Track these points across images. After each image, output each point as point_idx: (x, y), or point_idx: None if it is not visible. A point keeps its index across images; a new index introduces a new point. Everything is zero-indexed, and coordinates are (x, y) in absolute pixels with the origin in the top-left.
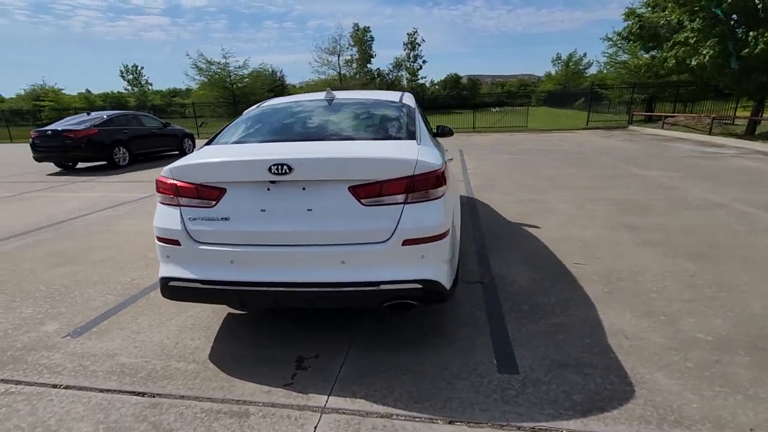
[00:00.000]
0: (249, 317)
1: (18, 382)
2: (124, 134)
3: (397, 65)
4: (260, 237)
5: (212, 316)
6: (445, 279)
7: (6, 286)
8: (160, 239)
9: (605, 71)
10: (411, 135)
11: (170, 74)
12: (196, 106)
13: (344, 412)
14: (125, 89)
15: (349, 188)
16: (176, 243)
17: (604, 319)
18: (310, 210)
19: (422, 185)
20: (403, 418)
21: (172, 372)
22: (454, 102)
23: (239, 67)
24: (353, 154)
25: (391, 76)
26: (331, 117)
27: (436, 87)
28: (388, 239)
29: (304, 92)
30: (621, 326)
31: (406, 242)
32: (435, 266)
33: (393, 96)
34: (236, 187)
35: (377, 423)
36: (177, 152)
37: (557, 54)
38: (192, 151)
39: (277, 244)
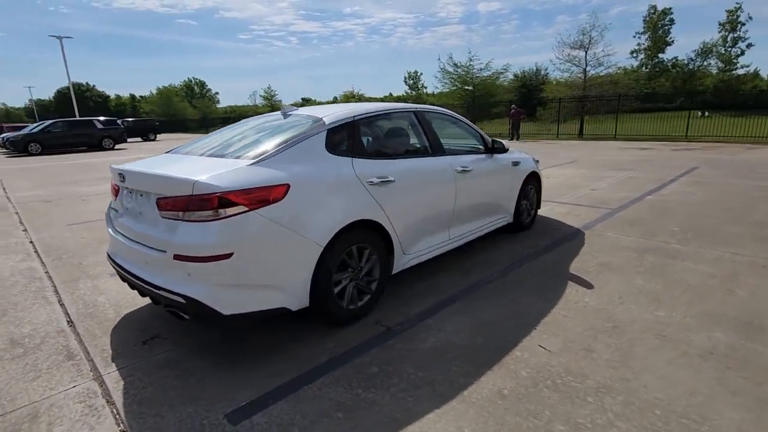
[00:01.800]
0: None
1: None
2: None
3: (704, 52)
4: (123, 229)
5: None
6: (213, 301)
7: None
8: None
9: None
10: (265, 155)
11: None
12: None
13: None
14: (405, 93)
15: (156, 199)
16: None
17: None
18: (141, 213)
19: (197, 205)
20: None
21: None
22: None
23: (482, 69)
24: (157, 171)
25: (692, 66)
26: (237, 134)
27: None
28: (166, 251)
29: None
30: None
31: (176, 257)
32: (201, 286)
33: (322, 112)
34: (121, 187)
35: None
36: None
37: None
38: None
39: (127, 237)
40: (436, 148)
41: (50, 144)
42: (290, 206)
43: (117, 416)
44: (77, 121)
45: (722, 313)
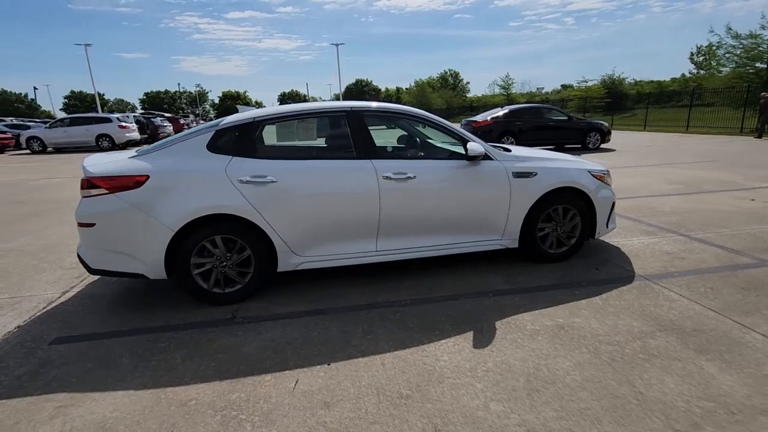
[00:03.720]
0: None
1: None
2: (516, 126)
3: None
4: None
5: None
6: (85, 257)
7: None
8: None
9: None
10: (147, 150)
11: None
12: (697, 92)
13: None
14: (690, 72)
15: None
16: None
17: None
18: None
19: (82, 186)
20: None
21: None
22: None
23: None
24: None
25: None
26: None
27: None
28: None
29: None
30: None
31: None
32: (81, 245)
33: (244, 114)
34: None
35: None
36: (579, 145)
37: None
38: (597, 146)
39: None
40: (364, 151)
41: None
42: (147, 193)
43: None
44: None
45: None
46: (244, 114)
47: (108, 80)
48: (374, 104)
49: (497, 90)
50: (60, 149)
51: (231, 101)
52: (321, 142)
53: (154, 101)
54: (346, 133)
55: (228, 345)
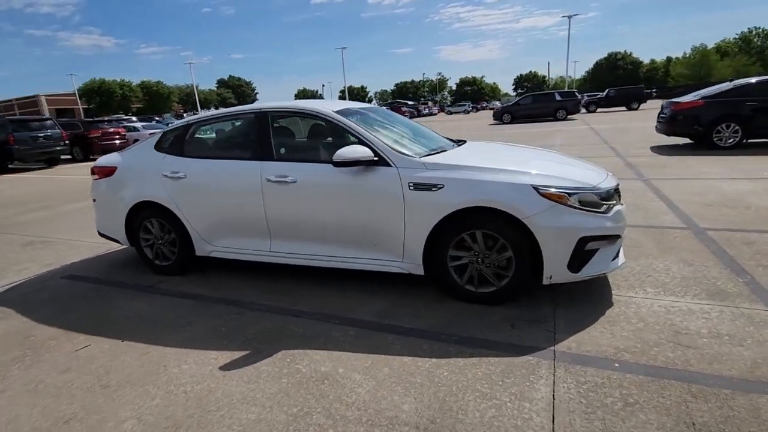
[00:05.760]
0: None
1: None
2: (744, 107)
3: None
4: None
5: None
6: (97, 225)
7: None
8: None
9: None
10: (128, 147)
11: None
12: None
13: None
14: None
15: None
16: None
17: None
18: None
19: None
20: None
21: None
22: None
23: None
24: None
25: None
26: None
27: None
28: None
29: None
30: None
31: None
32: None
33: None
34: None
35: None
36: None
37: None
38: None
39: None
40: (260, 152)
41: (519, 114)
42: (115, 181)
43: None
44: (541, 95)
45: None
46: (196, 116)
47: (372, 75)
48: (277, 104)
49: None
50: None
51: (467, 87)
52: (217, 142)
53: (402, 91)
54: (252, 134)
55: (117, 305)
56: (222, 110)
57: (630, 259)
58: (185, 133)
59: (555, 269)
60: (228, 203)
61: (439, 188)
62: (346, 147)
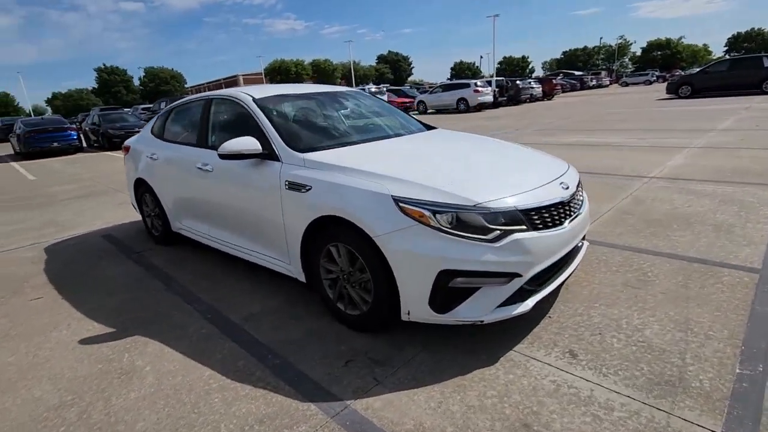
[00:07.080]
0: None
1: None
2: None
3: None
4: None
5: None
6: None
7: None
8: None
9: None
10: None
11: None
12: None
13: None
14: None
15: None
16: None
17: None
18: None
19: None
20: None
21: None
22: None
23: None
24: None
25: None
26: None
27: None
28: None
29: None
30: None
31: None
32: None
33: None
34: None
35: None
36: None
37: None
38: None
39: None
40: (204, 139)
41: (706, 86)
42: (128, 159)
43: None
44: (743, 59)
45: None
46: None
47: (546, 42)
48: (220, 91)
49: None
50: (439, 111)
51: (656, 51)
52: (183, 127)
53: (570, 59)
54: (198, 121)
55: (101, 265)
56: (192, 96)
57: (592, 303)
58: (167, 118)
59: (413, 305)
60: (179, 187)
61: (308, 190)
62: (234, 139)
